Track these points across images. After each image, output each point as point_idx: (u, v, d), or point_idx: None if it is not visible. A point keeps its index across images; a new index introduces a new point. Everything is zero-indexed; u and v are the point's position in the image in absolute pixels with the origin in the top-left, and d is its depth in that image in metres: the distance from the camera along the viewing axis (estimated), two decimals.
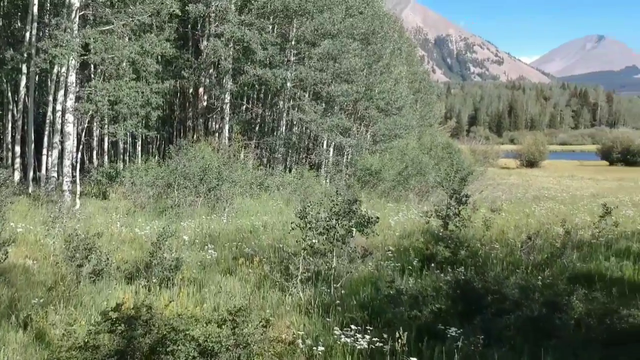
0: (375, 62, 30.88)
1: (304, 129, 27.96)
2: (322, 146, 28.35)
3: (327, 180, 26.60)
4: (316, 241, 7.75)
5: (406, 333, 5.14)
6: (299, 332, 5.79)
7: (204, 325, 4.91)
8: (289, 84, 24.93)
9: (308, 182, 21.67)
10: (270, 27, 25.33)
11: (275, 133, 26.95)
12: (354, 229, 8.15)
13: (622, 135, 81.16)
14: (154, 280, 8.06)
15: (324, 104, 26.90)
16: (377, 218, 8.37)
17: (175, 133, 28.00)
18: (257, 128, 28.22)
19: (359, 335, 5.51)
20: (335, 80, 25.77)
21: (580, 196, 26.07)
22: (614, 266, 10.04)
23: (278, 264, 9.10)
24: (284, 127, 26.30)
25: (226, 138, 25.19)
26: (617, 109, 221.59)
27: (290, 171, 25.52)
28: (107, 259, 8.49)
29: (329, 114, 26.53)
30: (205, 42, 25.31)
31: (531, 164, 64.19)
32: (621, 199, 24.34)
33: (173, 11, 21.32)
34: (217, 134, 26.19)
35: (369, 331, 5.74)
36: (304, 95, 25.66)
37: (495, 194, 25.79)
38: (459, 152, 28.54)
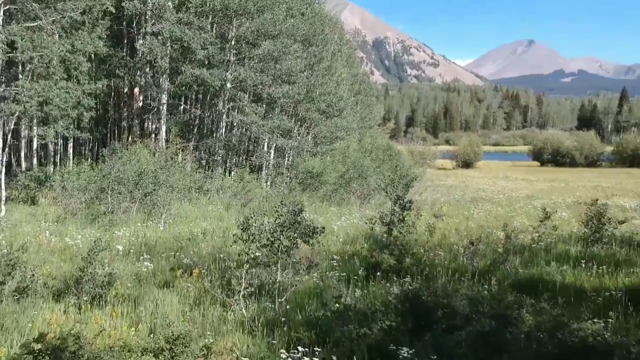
0: (317, 63, 30.71)
1: (244, 130, 27.43)
2: (263, 148, 27.92)
3: (268, 183, 26.20)
4: (259, 254, 7.39)
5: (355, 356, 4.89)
6: (243, 359, 5.43)
7: (139, 356, 4.49)
8: (228, 85, 24.37)
9: (249, 185, 21.20)
10: (209, 26, 24.68)
11: (214, 135, 26.30)
12: (299, 240, 7.85)
13: (551, 136, 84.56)
14: (84, 298, 7.49)
15: (264, 106, 26.47)
16: (323, 228, 8.11)
17: (109, 134, 26.87)
18: (195, 130, 27.49)
19: (306, 359, 5.21)
20: (276, 82, 25.39)
21: (515, 197, 26.76)
22: (554, 271, 10.18)
23: (219, 277, 8.69)
24: (223, 129, 25.70)
25: (163, 140, 24.37)
26: (546, 111, 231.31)
27: (230, 174, 24.97)
28: (33, 275, 7.85)
29: (270, 115, 26.13)
30: (141, 41, 24.41)
31: (467, 164, 65.84)
32: (555, 200, 25.14)
33: (106, 8, 20.40)
34: (153, 136, 25.31)
35: (317, 353, 5.46)
36: (244, 97, 25.15)
37: (435, 196, 26.13)
38: (399, 154, 28.70)
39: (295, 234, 7.65)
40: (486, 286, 8.31)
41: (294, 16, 26.84)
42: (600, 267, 9.96)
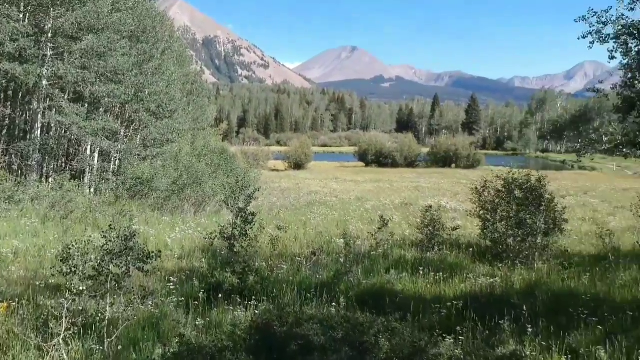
0: (146, 62, 28.87)
1: (63, 132, 24.84)
2: (86, 152, 25.54)
3: (92, 191, 23.99)
4: (84, 288, 6.33)
5: None
6: None
7: None
8: (44, 82, 21.84)
9: (69, 194, 19.10)
10: (22, 15, 21.90)
11: (28, 137, 23.44)
12: (132, 266, 6.92)
13: (374, 138, 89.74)
14: None
15: (87, 105, 24.21)
16: (159, 252, 7.26)
17: None
18: (4, 131, 24.25)
19: None
20: (100, 80, 23.32)
21: (347, 200, 27.57)
22: (394, 279, 10.34)
23: (34, 310, 7.39)
24: (39, 131, 22.98)
25: None
26: (369, 114, 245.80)
27: (47, 181, 22.41)
28: None
29: (94, 116, 23.92)
30: None
31: (298, 165, 67.12)
32: (383, 202, 26.32)
33: None
34: None
35: None
36: (63, 96, 22.73)
37: (271, 201, 25.94)
38: (234, 157, 28.06)
39: (128, 261, 6.72)
40: (334, 304, 8.07)
41: (120, 10, 24.87)
42: (437, 274, 10.31)
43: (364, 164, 78.48)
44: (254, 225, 10.21)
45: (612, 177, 61.51)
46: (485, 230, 12.62)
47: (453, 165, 75.17)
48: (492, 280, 9.85)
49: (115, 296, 6.83)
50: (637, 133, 9.73)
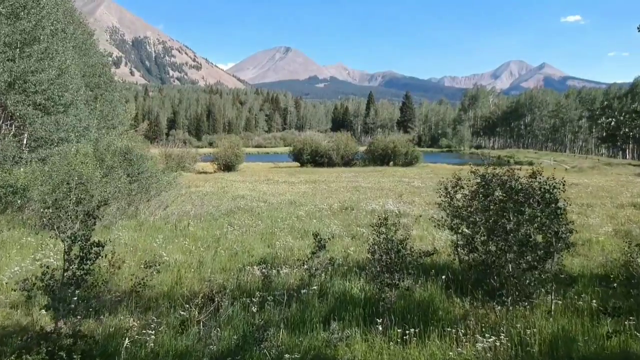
0: (29, 44, 23.84)
1: None
2: None
3: None
4: None
5: None
6: None
7: None
8: None
9: None
10: None
11: None
12: None
13: (310, 138, 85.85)
14: None
15: None
16: None
17: None
18: None
19: None
20: None
21: (278, 205, 23.49)
22: (337, 339, 6.39)
23: None
24: None
25: None
26: (304, 113, 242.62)
27: None
28: None
29: None
30: None
31: (228, 167, 62.32)
32: (319, 206, 22.40)
33: None
34: None
35: None
36: None
37: (185, 209, 21.52)
38: (142, 157, 23.38)
39: None
40: None
41: None
42: (404, 328, 6.45)
43: (299, 164, 74.54)
44: (97, 262, 6.03)
45: (553, 172, 60.09)
46: (463, 250, 8.87)
47: (391, 163, 72.42)
48: (493, 340, 6.05)
49: None
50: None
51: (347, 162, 72.62)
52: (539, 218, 7.16)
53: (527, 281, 7.07)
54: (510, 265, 7.31)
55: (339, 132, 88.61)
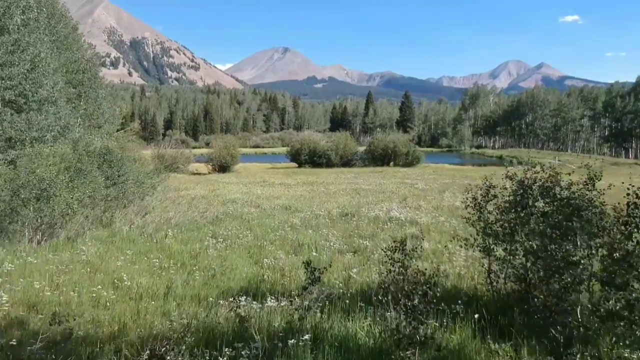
0: None
1: None
2: None
3: None
4: None
5: None
6: None
7: None
8: None
9: None
10: None
11: None
12: None
13: (308, 137, 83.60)
14: None
15: None
16: None
17: None
18: None
19: None
20: None
21: (270, 211, 21.36)
22: None
23: None
24: None
25: None
26: (302, 113, 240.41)
27: None
28: None
29: None
30: None
31: (223, 168, 60.09)
32: (317, 212, 20.26)
33: None
34: None
35: None
36: None
37: (168, 215, 19.38)
38: (122, 159, 21.24)
39: None
40: None
41: None
42: None
43: (296, 164, 72.36)
44: None
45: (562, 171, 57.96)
46: (497, 276, 6.76)
47: (392, 163, 70.25)
48: None
49: None
50: None
51: (347, 162, 70.45)
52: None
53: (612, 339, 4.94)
54: (579, 311, 5.15)
55: (338, 132, 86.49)
